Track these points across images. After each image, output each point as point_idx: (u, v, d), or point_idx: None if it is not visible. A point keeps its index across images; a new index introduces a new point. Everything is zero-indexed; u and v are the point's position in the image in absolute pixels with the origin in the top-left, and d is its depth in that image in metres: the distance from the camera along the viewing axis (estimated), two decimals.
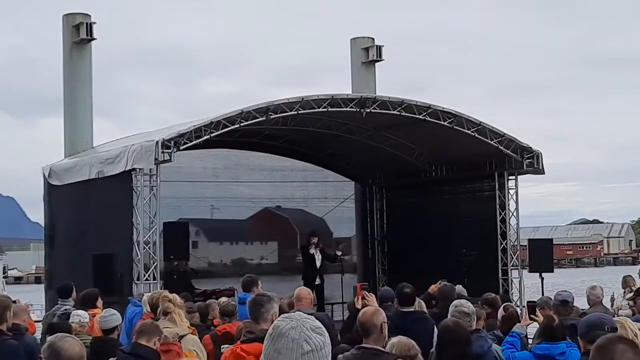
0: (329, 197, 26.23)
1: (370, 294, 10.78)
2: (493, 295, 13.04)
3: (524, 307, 11.64)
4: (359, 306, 9.97)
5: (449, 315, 8.33)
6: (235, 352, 7.67)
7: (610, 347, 4.20)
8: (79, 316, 10.36)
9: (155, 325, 8.67)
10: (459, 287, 13.52)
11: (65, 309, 11.40)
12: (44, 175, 22.20)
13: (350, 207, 26.71)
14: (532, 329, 9.34)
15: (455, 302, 8.76)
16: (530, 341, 9.22)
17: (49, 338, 5.63)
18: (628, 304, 13.78)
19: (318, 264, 21.38)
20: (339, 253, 21.68)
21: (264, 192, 25.50)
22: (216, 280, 23.27)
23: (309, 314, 9.70)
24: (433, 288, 12.54)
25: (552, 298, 10.67)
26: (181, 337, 9.21)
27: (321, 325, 3.32)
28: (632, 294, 13.90)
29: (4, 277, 23.84)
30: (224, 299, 12.41)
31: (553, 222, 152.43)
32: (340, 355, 7.07)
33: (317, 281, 20.62)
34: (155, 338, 8.30)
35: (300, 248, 22.54)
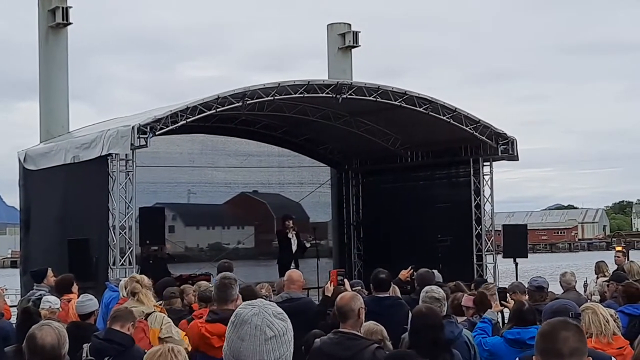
0: (305, 182, 26.25)
1: (345, 279, 10.79)
2: (459, 283, 13.04)
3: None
4: (328, 293, 9.95)
5: (420, 301, 8.33)
6: (200, 332, 7.73)
7: (553, 332, 4.11)
8: (49, 302, 10.29)
9: (129, 311, 8.67)
10: (435, 272, 13.53)
11: (41, 294, 11.32)
12: (20, 160, 22.06)
13: (327, 192, 26.75)
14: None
15: (426, 287, 8.76)
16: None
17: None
18: (599, 289, 13.82)
19: (294, 248, 21.36)
20: (308, 245, 21.60)
21: (240, 177, 25.46)
22: (193, 265, 23.27)
23: (297, 298, 9.72)
24: (404, 273, 12.54)
25: (526, 284, 10.67)
26: (147, 315, 9.28)
27: (283, 312, 3.30)
28: (606, 278, 13.94)
29: None
30: (203, 284, 12.37)
31: (528, 208, 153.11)
32: (317, 340, 7.07)
33: (292, 266, 20.56)
34: (129, 323, 8.31)
35: (277, 232, 22.50)
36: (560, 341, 4.06)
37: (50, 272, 12.75)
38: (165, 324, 9.48)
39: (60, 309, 10.31)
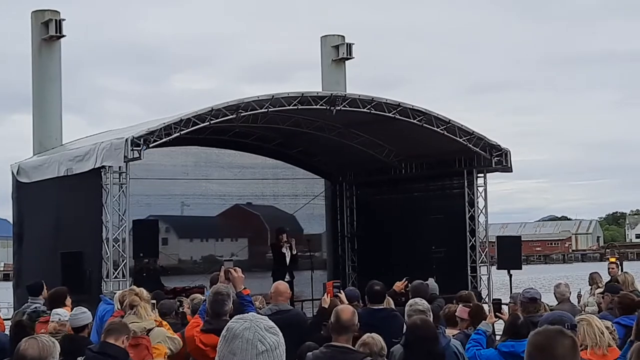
0: (299, 194, 26.24)
1: (341, 291, 10.79)
2: (468, 292, 13.05)
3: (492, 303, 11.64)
4: (325, 305, 9.94)
5: (405, 315, 8.32)
6: (194, 343, 7.75)
7: (550, 341, 4.06)
8: (59, 315, 10.25)
9: (123, 324, 8.67)
10: (431, 281, 13.52)
11: (35, 307, 11.31)
12: (12, 173, 22.03)
13: (321, 204, 26.73)
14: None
15: (410, 301, 8.81)
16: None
17: None
18: (595, 300, 13.82)
19: (288, 261, 21.40)
20: (294, 252, 21.59)
21: (234, 189, 25.43)
22: (186, 277, 23.21)
23: (286, 310, 9.72)
24: (399, 285, 12.54)
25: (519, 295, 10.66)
26: (148, 330, 9.25)
27: (274, 325, 3.29)
28: (600, 290, 13.95)
29: None
30: (196, 297, 12.37)
31: (522, 219, 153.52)
32: (309, 354, 7.06)
33: (287, 278, 20.56)
34: (124, 336, 8.32)
35: (271, 246, 22.53)
36: (557, 349, 4.02)
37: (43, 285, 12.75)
38: (170, 338, 9.48)
39: (67, 322, 10.23)
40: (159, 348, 9.12)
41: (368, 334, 7.16)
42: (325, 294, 10.62)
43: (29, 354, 5.57)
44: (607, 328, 7.62)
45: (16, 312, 10.99)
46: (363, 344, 7.01)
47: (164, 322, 10.34)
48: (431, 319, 8.42)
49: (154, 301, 10.70)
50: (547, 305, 11.10)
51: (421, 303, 8.45)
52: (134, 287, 9.93)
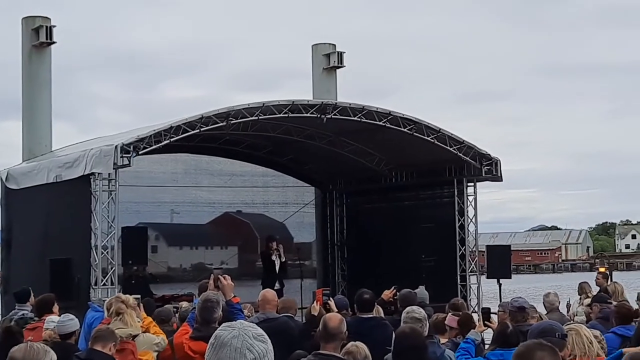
0: (289, 203, 26.23)
1: (330, 299, 10.78)
2: (460, 300, 13.05)
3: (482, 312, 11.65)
4: (315, 313, 9.91)
5: (401, 322, 8.31)
6: (183, 350, 7.74)
7: (529, 353, 4.22)
8: (54, 323, 10.21)
9: (110, 331, 8.66)
10: (421, 289, 13.49)
11: (23, 314, 11.26)
12: (1, 179, 21.94)
13: (311, 213, 26.72)
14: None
15: (407, 308, 8.76)
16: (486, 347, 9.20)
17: None
18: (584, 310, 13.84)
19: (277, 268, 21.40)
20: (283, 259, 21.61)
21: (224, 197, 25.39)
22: (176, 285, 23.16)
23: (273, 318, 9.65)
24: (387, 294, 12.51)
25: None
26: (134, 336, 9.25)
27: (263, 333, 3.28)
28: (589, 299, 13.96)
29: None
30: (184, 304, 12.37)
31: (512, 228, 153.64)
32: None
33: (277, 286, 20.53)
34: (111, 344, 8.31)
35: (261, 254, 22.50)
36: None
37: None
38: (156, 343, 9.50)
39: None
40: (145, 354, 9.10)
41: (352, 343, 7.14)
42: (315, 301, 10.60)
43: (14, 357, 5.54)
44: (596, 337, 7.60)
45: (3, 319, 10.95)
46: (347, 352, 6.99)
47: (151, 322, 10.40)
48: (427, 328, 8.41)
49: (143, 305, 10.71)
50: (541, 314, 11.11)
51: (418, 311, 8.43)
52: (120, 294, 9.93)
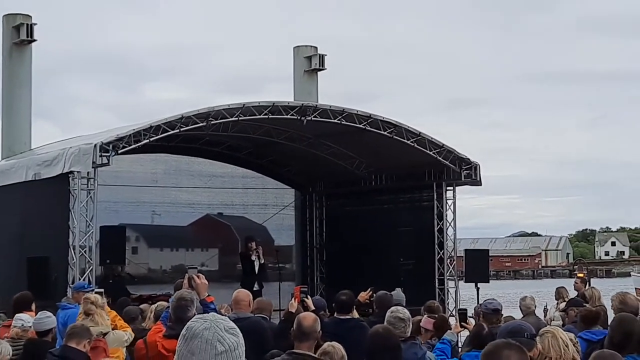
0: (268, 204, 26.22)
1: (308, 296, 10.79)
2: (436, 303, 13.07)
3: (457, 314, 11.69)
4: (293, 310, 9.94)
5: (385, 321, 8.33)
6: (156, 348, 7.73)
7: (497, 352, 4.28)
8: (22, 320, 10.18)
9: (85, 328, 8.66)
10: (398, 292, 13.51)
11: None
12: None
13: (290, 215, 26.73)
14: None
15: (392, 308, 8.76)
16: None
17: None
18: (560, 315, 13.92)
19: (257, 269, 21.40)
20: (262, 261, 21.66)
21: (204, 198, 25.38)
22: (156, 286, 23.05)
23: (245, 318, 9.61)
24: (363, 295, 12.54)
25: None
26: (104, 334, 9.30)
27: (235, 326, 3.29)
28: (565, 304, 14.04)
29: None
30: (161, 304, 12.34)
31: (493, 234, 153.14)
32: None
33: (256, 287, 20.54)
34: (85, 341, 8.30)
35: (240, 254, 22.49)
36: (504, 358, 4.20)
37: None
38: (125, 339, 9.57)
39: (31, 328, 10.17)
40: (116, 352, 9.12)
41: (329, 343, 7.14)
42: (293, 299, 10.62)
43: None
44: (571, 340, 7.67)
45: None
46: (324, 352, 6.99)
47: (116, 316, 10.47)
48: (410, 329, 8.43)
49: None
50: (513, 317, 11.15)
51: (402, 312, 8.44)
52: (89, 295, 9.96)
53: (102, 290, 11.30)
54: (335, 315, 10.49)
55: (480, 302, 19.99)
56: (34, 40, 23.55)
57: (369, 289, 12.67)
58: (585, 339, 8.97)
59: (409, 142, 21.27)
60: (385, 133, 21.04)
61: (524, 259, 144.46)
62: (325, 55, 27.46)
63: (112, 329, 9.47)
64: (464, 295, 23.39)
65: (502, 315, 10.17)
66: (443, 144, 21.68)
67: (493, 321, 9.51)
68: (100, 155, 17.73)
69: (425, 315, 10.29)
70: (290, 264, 26.65)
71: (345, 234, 25.32)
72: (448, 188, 22.85)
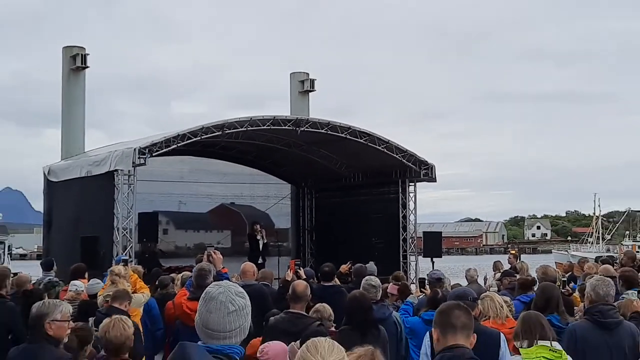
0: (270, 196, 26.21)
1: (301, 268, 10.83)
2: (401, 273, 13.10)
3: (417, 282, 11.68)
4: (289, 278, 9.94)
5: (360, 287, 8.34)
6: (182, 308, 7.76)
7: (449, 311, 4.28)
8: (76, 286, 10.18)
9: (125, 292, 8.64)
10: (371, 264, 13.53)
11: (49, 279, 11.17)
12: (44, 173, 21.81)
13: (287, 204, 26.72)
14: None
15: (367, 277, 8.79)
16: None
17: None
18: (496, 283, 13.93)
19: (261, 247, 21.37)
20: (265, 241, 21.63)
21: (219, 191, 25.34)
22: (182, 259, 23.00)
23: (250, 285, 9.62)
24: (343, 267, 12.57)
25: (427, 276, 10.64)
26: None
27: (243, 291, 3.30)
28: (500, 274, 14.05)
29: (9, 254, 23.30)
30: (186, 273, 12.34)
31: (445, 220, 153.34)
32: (272, 318, 7.05)
33: (260, 261, 20.52)
34: (126, 302, 8.29)
35: (248, 235, 22.43)
36: (453, 317, 4.20)
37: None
38: (142, 301, 9.63)
39: (83, 292, 10.14)
40: (135, 311, 9.11)
41: (320, 304, 7.16)
42: (289, 270, 10.63)
43: (32, 311, 5.67)
44: (506, 302, 7.69)
45: (33, 283, 10.87)
46: (315, 310, 7.01)
47: (137, 279, 10.45)
48: (380, 294, 8.44)
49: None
50: (460, 284, 11.15)
51: (374, 280, 8.46)
52: (114, 268, 9.93)
53: (126, 257, 11.15)
54: (321, 282, 10.51)
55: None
56: (87, 67, 23.46)
57: (348, 262, 12.69)
58: (522, 301, 9.00)
59: (380, 147, 21.27)
60: (362, 140, 21.03)
61: (469, 239, 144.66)
62: (315, 79, 27.44)
63: (132, 292, 9.41)
64: (423, 267, 23.36)
65: (445, 282, 10.18)
66: (407, 149, 21.68)
67: (437, 286, 9.52)
68: (139, 157, 17.69)
69: (392, 283, 10.31)
70: (287, 242, 26.60)
71: (330, 220, 25.32)
72: (410, 184, 22.85)
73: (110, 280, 9.49)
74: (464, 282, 12.72)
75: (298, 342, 4.75)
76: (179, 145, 18.52)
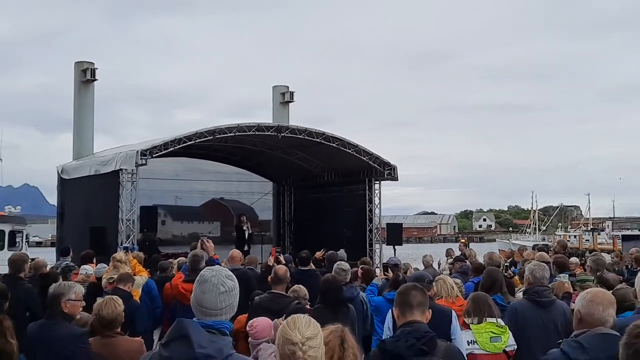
0: (255, 192, 26.15)
1: (281, 254, 10.83)
2: (367, 259, 13.12)
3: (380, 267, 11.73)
4: (270, 264, 9.93)
5: (332, 271, 8.36)
6: (178, 289, 7.72)
7: (407, 292, 4.30)
8: (86, 270, 10.09)
9: (129, 275, 8.57)
10: (342, 251, 13.54)
11: (67, 263, 11.07)
12: (58, 172, 21.62)
13: (269, 199, 26.66)
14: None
15: (338, 262, 8.81)
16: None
17: None
18: (448, 267, 14.01)
19: (246, 237, 21.34)
20: (250, 231, 21.57)
21: (211, 188, 25.25)
22: (178, 247, 22.84)
23: (237, 269, 9.59)
24: (318, 254, 12.57)
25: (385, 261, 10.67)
26: None
27: (232, 274, 3.31)
28: (452, 260, 14.11)
29: (26, 242, 23.09)
30: (181, 259, 12.26)
31: (405, 212, 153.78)
32: (256, 297, 7.05)
33: (246, 248, 20.48)
34: (130, 283, 8.22)
35: (235, 226, 22.39)
36: (411, 297, 4.21)
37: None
38: (141, 283, 9.56)
39: (92, 275, 10.05)
40: (134, 292, 9.06)
41: (296, 285, 7.18)
42: (270, 256, 10.62)
43: (50, 291, 5.69)
44: (457, 284, 7.73)
45: (51, 267, 10.77)
46: (292, 290, 7.02)
47: (136, 263, 10.35)
48: (349, 276, 8.45)
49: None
50: (417, 269, 11.19)
51: (345, 265, 8.48)
52: (115, 255, 9.85)
53: (128, 245, 11.07)
54: (298, 267, 10.51)
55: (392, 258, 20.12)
56: (96, 80, 23.29)
57: (322, 250, 12.70)
58: (475, 282, 9.06)
59: (349, 151, 21.30)
60: (334, 145, 21.05)
61: (425, 230, 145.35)
62: (294, 92, 27.42)
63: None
64: (386, 253, 23.44)
65: (401, 267, 10.22)
66: (373, 152, 21.73)
67: (394, 270, 9.57)
68: (140, 158, 17.58)
69: (360, 267, 10.33)
70: (269, 232, 26.53)
71: (307, 213, 25.32)
72: (376, 182, 22.91)
73: (113, 265, 9.43)
74: (421, 267, 12.79)
75: (282, 318, 4.77)
76: (176, 147, 18.42)
